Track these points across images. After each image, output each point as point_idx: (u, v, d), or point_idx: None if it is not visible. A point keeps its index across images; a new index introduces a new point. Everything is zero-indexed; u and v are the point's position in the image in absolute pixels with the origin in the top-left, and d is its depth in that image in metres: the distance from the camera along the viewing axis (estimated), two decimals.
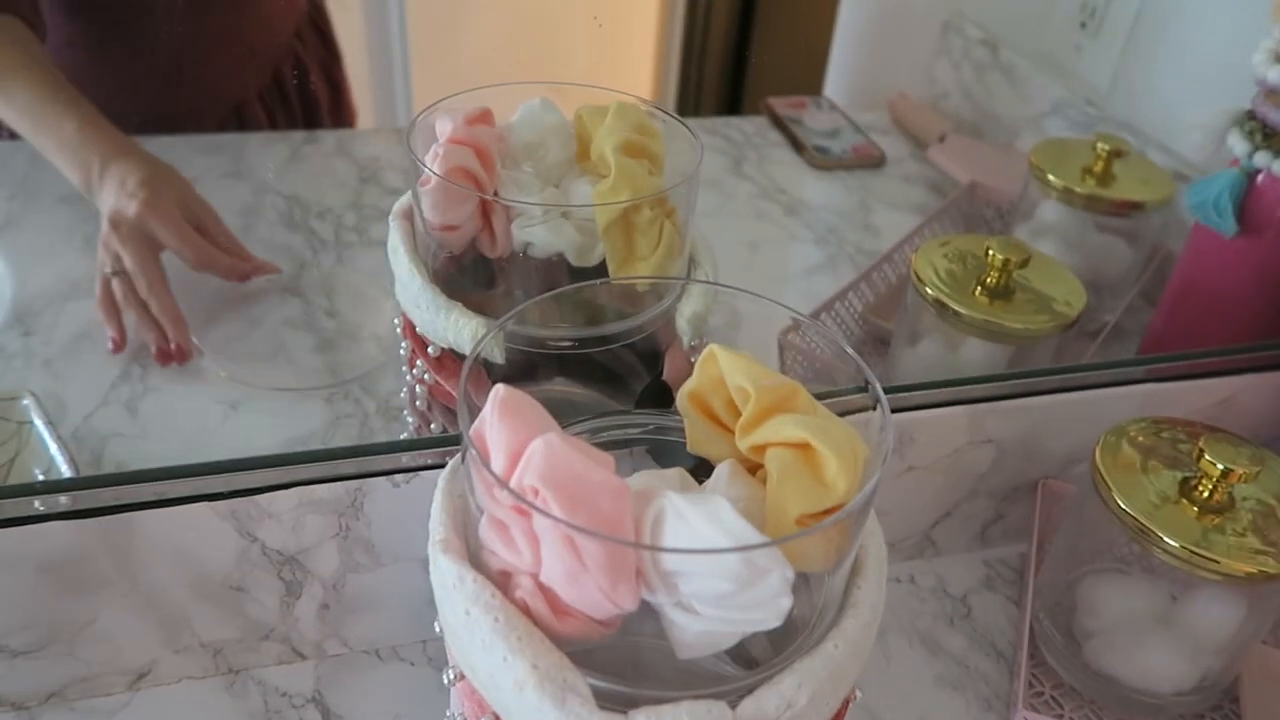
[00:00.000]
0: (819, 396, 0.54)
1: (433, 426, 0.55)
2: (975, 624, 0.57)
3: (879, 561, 0.37)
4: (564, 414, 0.63)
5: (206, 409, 0.63)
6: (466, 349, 0.48)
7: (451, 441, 0.49)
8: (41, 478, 0.57)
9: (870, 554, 0.37)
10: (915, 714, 0.52)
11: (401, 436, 0.60)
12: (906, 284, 0.79)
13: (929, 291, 0.62)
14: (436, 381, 0.51)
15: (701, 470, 0.42)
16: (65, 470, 0.58)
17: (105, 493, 0.44)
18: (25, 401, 0.61)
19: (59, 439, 0.59)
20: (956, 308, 0.61)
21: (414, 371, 0.54)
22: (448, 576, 0.33)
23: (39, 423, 0.60)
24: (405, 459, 0.47)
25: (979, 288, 0.62)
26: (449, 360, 0.51)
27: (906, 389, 0.54)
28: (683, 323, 0.51)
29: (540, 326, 0.63)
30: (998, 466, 0.58)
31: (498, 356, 0.47)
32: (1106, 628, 0.53)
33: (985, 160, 0.95)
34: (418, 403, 0.55)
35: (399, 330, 0.54)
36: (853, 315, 0.75)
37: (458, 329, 0.48)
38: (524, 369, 0.60)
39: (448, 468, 0.38)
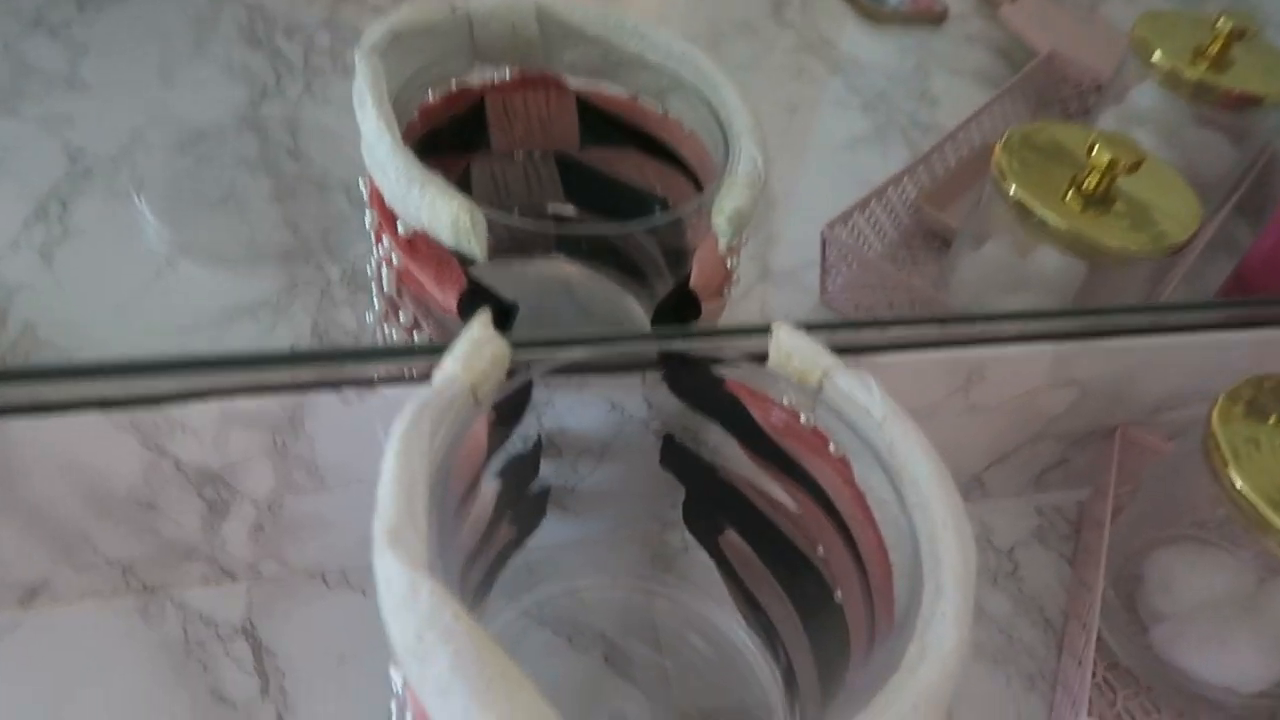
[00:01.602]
0: (875, 325, 0.44)
1: (401, 316, 0.44)
2: (1022, 583, 0.49)
3: (965, 578, 0.28)
4: (559, 301, 0.54)
5: (138, 263, 0.52)
6: (443, 236, 0.37)
7: (423, 353, 0.39)
8: None
9: (949, 564, 0.28)
10: None
11: (367, 317, 0.50)
12: (971, 171, 0.68)
13: (1011, 189, 0.51)
14: (407, 268, 0.41)
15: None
16: None
17: None
18: None
19: None
20: (1042, 213, 0.50)
21: (380, 248, 0.43)
22: (395, 584, 0.24)
23: None
24: (356, 369, 0.37)
25: (1072, 191, 0.51)
26: (423, 245, 0.40)
27: (979, 318, 0.45)
28: (720, 220, 0.40)
29: (540, 198, 0.52)
30: (1076, 410, 0.48)
31: (478, 253, 0.37)
32: (1181, 611, 0.45)
33: (1066, 27, 0.82)
34: (385, 286, 0.45)
35: (365, 195, 0.43)
36: (905, 203, 0.64)
37: (433, 210, 0.37)
38: (509, 244, 0.50)
39: (406, 415, 0.28)
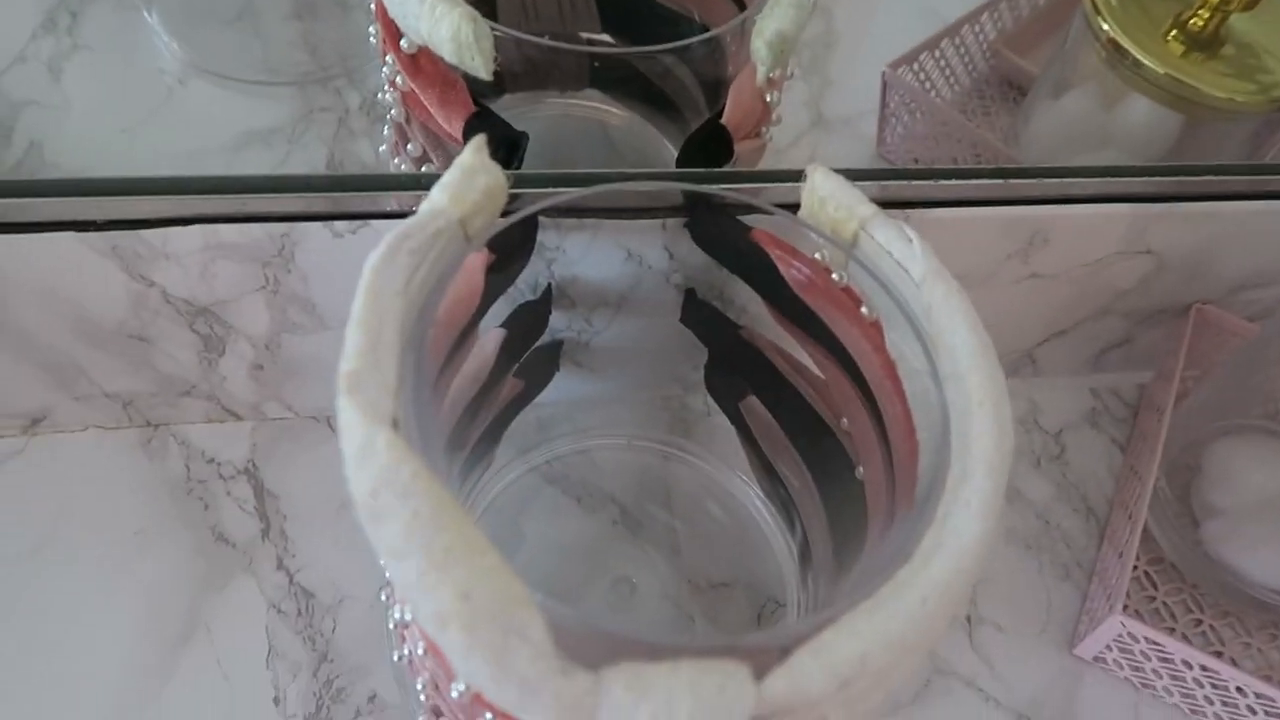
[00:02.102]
0: (929, 175, 0.39)
1: (409, 147, 0.41)
2: (1068, 468, 0.46)
3: (997, 463, 0.25)
4: (588, 142, 0.50)
5: (148, 82, 0.49)
6: (444, 51, 0.33)
7: (417, 185, 0.36)
8: None
9: (980, 447, 0.25)
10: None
11: (380, 150, 0.47)
12: (1061, 12, 0.61)
13: (1104, 26, 0.45)
14: (411, 89, 0.37)
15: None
16: None
17: None
18: None
19: None
20: (1138, 54, 0.44)
21: (385, 68, 0.39)
22: (351, 435, 0.22)
23: None
24: (352, 201, 0.34)
25: (1175, 31, 0.45)
26: (427, 62, 0.36)
27: (1047, 172, 0.40)
28: (759, 44, 0.36)
29: (573, 26, 0.47)
30: (1148, 283, 0.44)
31: (481, 69, 0.33)
32: (1238, 506, 0.41)
33: None
34: (392, 111, 0.41)
35: (372, 5, 0.39)
36: (982, 46, 0.57)
37: (433, 20, 0.33)
38: (533, 74, 0.45)
39: (380, 247, 0.25)
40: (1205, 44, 0.45)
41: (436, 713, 0.30)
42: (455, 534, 0.21)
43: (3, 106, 0.47)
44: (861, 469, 0.33)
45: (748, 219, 0.33)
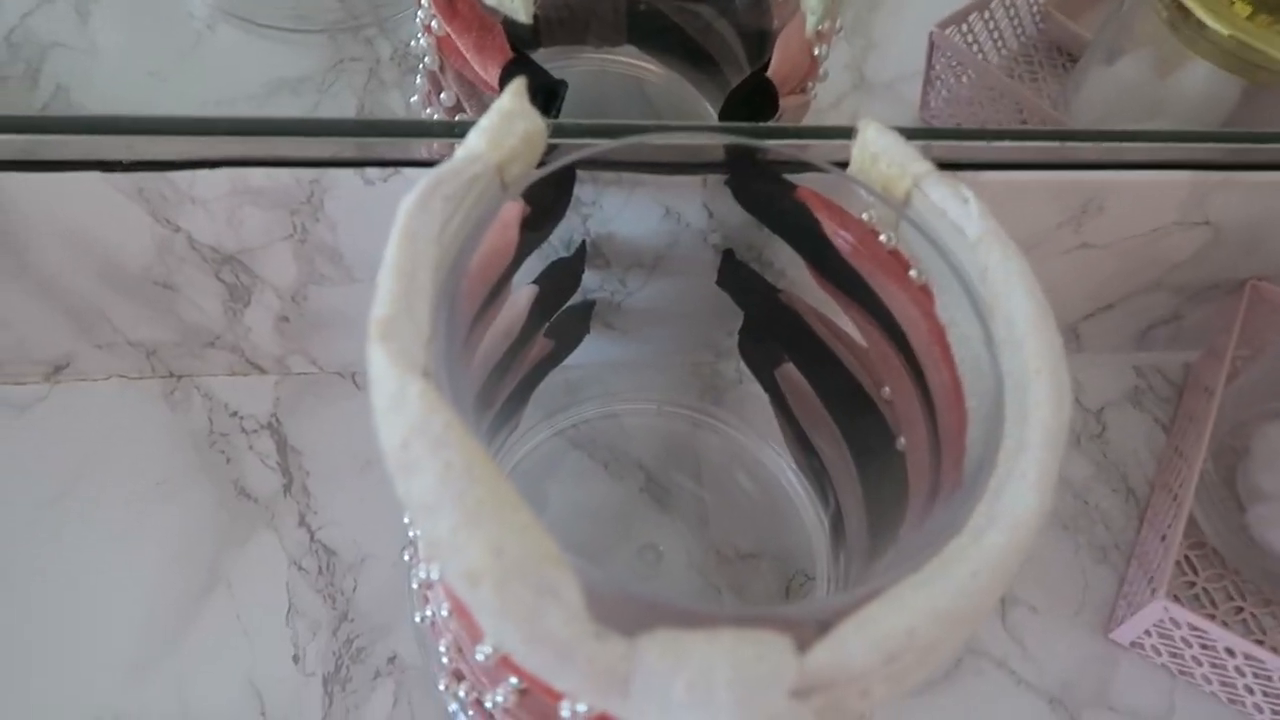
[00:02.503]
0: (979, 136, 0.38)
1: (443, 96, 0.40)
2: (1108, 447, 0.45)
3: (1055, 433, 0.23)
4: (624, 99, 0.49)
5: (177, 25, 0.48)
6: None
7: (450, 132, 0.35)
8: None
9: (1038, 416, 0.24)
10: None
11: (412, 101, 0.46)
12: None
13: None
14: (446, 33, 0.36)
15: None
16: None
17: None
18: None
19: None
20: (1202, 15, 0.42)
21: (420, 12, 0.38)
22: (383, 384, 0.21)
23: None
24: (383, 147, 0.33)
25: None
26: (464, 6, 0.35)
27: (1106, 135, 0.38)
28: None
29: None
30: (1203, 256, 0.42)
31: (520, 12, 0.31)
32: None
33: None
34: (425, 59, 0.40)
35: None
36: (1032, 8, 0.55)
37: None
38: (571, 26, 0.44)
39: (415, 192, 0.24)
40: (1274, 6, 0.43)
41: (458, 676, 0.30)
42: (488, 488, 0.20)
43: (30, 48, 0.46)
44: (903, 440, 0.32)
45: (793, 177, 0.32)
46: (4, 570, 0.36)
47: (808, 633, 0.20)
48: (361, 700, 0.35)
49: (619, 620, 0.20)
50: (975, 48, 0.52)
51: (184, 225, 0.34)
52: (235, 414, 0.41)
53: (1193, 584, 0.41)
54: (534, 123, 0.28)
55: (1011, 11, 0.55)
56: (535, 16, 0.42)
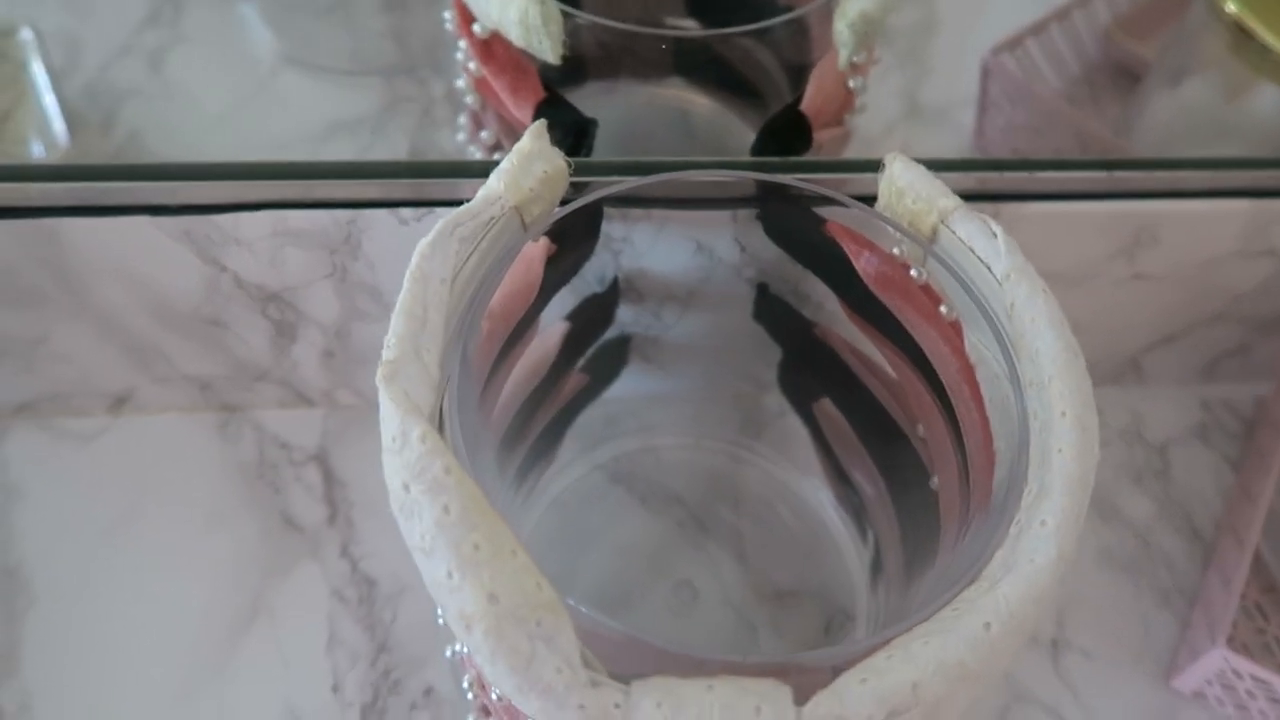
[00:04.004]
0: (1022, 166, 0.37)
1: (484, 134, 0.41)
2: (1172, 486, 0.43)
3: (1078, 479, 0.23)
4: (670, 131, 0.49)
5: (243, 72, 0.50)
6: (513, 34, 0.33)
7: (483, 172, 0.35)
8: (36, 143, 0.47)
9: (1061, 461, 0.23)
10: (1062, 598, 0.39)
11: (459, 139, 0.47)
12: None
13: (1229, 6, 0.41)
14: (484, 75, 0.37)
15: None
16: (61, 135, 0.47)
17: (23, 189, 0.32)
18: (25, 35, 0.49)
19: (57, 92, 0.48)
20: (1267, 38, 0.40)
21: (460, 54, 0.39)
22: (387, 425, 0.21)
23: (37, 67, 0.49)
24: (416, 188, 0.33)
25: None
26: (499, 47, 0.36)
27: (1157, 164, 0.37)
28: (842, 26, 0.34)
29: (658, 12, 0.46)
30: (1268, 287, 0.40)
31: (549, 52, 0.32)
32: None
33: None
34: (467, 99, 0.41)
35: None
36: (1094, 31, 0.54)
37: (503, 4, 0.32)
38: (617, 60, 0.44)
39: (430, 234, 0.25)
40: None
41: (485, 711, 0.30)
42: (485, 533, 0.20)
43: (108, 96, 0.48)
44: (936, 479, 0.31)
45: (822, 210, 0.32)
46: (62, 592, 0.37)
47: (819, 681, 0.20)
48: None
49: (624, 663, 0.20)
50: (1032, 72, 0.51)
51: (230, 265, 0.35)
52: (284, 446, 0.42)
53: (1263, 631, 0.39)
54: (554, 163, 0.28)
55: (1071, 34, 0.53)
56: (578, 55, 0.42)
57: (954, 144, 0.52)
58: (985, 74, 0.50)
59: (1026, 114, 0.50)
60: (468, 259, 0.26)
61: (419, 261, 0.24)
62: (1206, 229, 0.37)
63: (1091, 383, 0.25)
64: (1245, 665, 0.33)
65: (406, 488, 0.21)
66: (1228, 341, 0.43)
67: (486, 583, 0.19)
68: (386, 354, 0.22)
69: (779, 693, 0.19)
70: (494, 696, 0.26)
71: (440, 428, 0.23)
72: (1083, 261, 0.38)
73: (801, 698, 0.20)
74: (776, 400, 0.42)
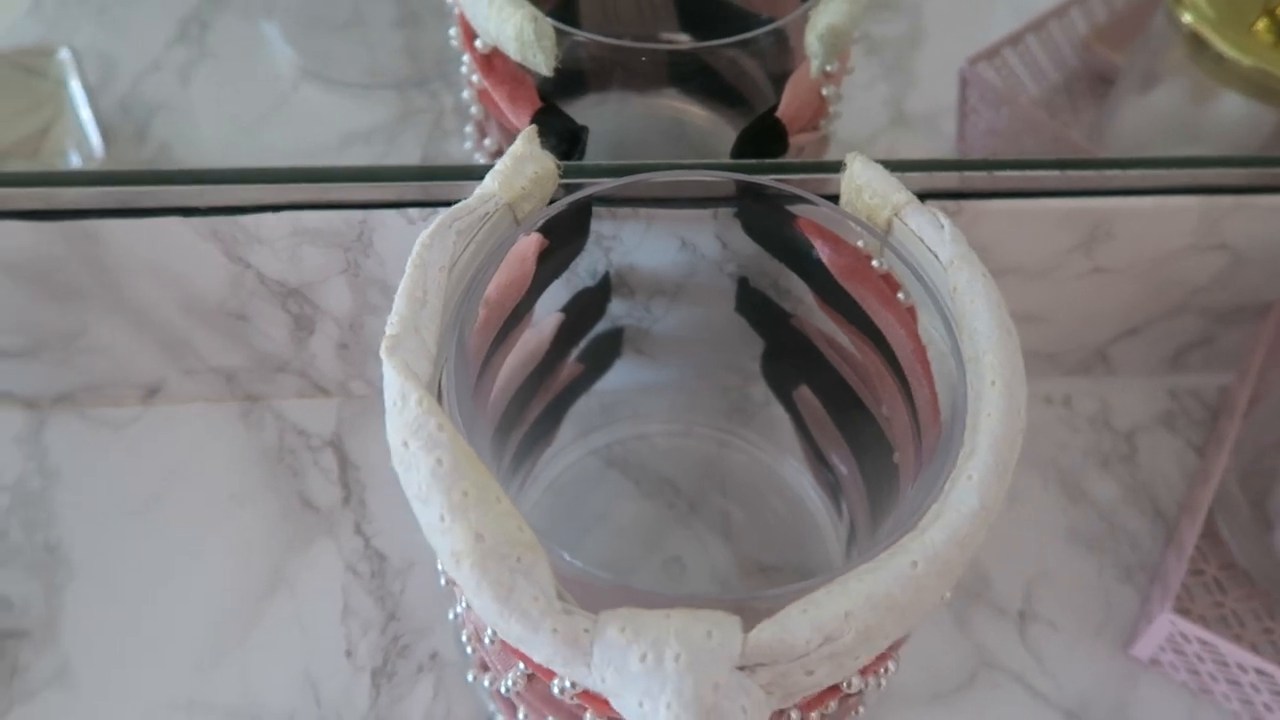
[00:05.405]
0: (992, 166, 0.40)
1: (486, 142, 0.44)
2: (1138, 470, 0.45)
3: (1001, 439, 0.25)
4: (667, 141, 0.52)
5: (266, 86, 0.54)
6: (509, 49, 0.36)
7: (476, 176, 0.38)
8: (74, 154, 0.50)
9: (988, 424, 0.25)
10: (1029, 573, 0.42)
11: (466, 147, 0.50)
12: (1155, 5, 0.59)
13: (1185, 17, 0.44)
14: (485, 88, 0.40)
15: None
16: (97, 146, 0.51)
17: (65, 193, 0.36)
18: (63, 55, 0.53)
19: (93, 106, 0.52)
20: (1221, 46, 0.43)
21: (464, 67, 0.42)
22: (389, 390, 0.24)
23: (75, 84, 0.53)
24: (422, 189, 0.37)
25: (1264, 19, 0.43)
26: (499, 61, 0.39)
27: (1108, 163, 0.39)
28: (812, 38, 0.37)
29: (653, 27, 0.49)
30: (1224, 280, 0.42)
31: (543, 66, 0.35)
32: None
33: None
34: (472, 109, 0.44)
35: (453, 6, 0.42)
36: (1072, 41, 0.56)
37: (500, 20, 0.35)
38: (616, 73, 0.47)
39: (430, 226, 0.28)
40: None
41: (483, 666, 0.32)
42: (473, 481, 0.23)
43: (139, 110, 0.52)
44: (898, 454, 0.34)
45: (794, 208, 0.35)
46: (96, 570, 0.40)
47: (759, 615, 0.23)
48: (405, 692, 0.38)
49: (591, 602, 0.23)
50: (1011, 80, 0.54)
51: (253, 262, 0.38)
52: (303, 433, 0.45)
53: (1221, 604, 0.41)
54: (544, 165, 0.31)
55: (1049, 44, 0.56)
56: (580, 67, 0.46)
57: (937, 150, 0.54)
58: (963, 83, 0.52)
59: (1004, 121, 0.53)
60: (464, 249, 0.28)
61: (420, 250, 0.27)
62: (1159, 224, 0.39)
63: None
64: (1191, 629, 0.35)
65: (405, 444, 0.23)
66: (1191, 333, 0.46)
67: (474, 524, 0.22)
68: (390, 330, 0.25)
69: (729, 620, 0.22)
70: (487, 642, 0.29)
71: (439, 399, 0.26)
72: (1044, 255, 0.41)
73: (751, 628, 0.22)
74: (762, 390, 0.45)
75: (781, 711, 0.25)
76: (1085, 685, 0.39)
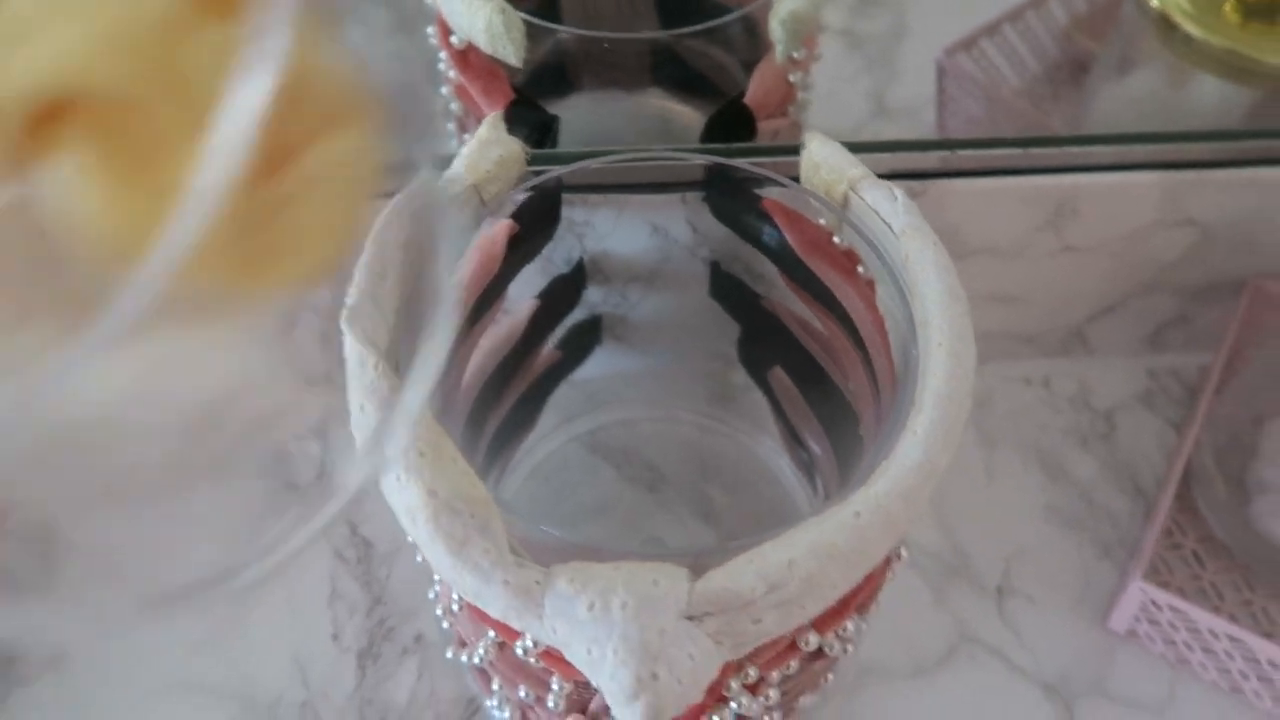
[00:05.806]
0: (953, 145, 0.40)
1: (466, 137, 0.45)
2: (1117, 448, 0.45)
3: (945, 396, 0.26)
4: (652, 137, 0.53)
5: None
6: (480, 41, 0.37)
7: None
8: None
9: (934, 382, 0.26)
10: (1008, 549, 0.42)
11: (452, 143, 0.51)
12: None
13: (1154, 1, 0.44)
14: (460, 83, 0.41)
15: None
16: None
17: None
18: None
19: None
20: (1190, 29, 0.44)
21: (441, 63, 0.43)
22: (349, 358, 0.25)
23: None
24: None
25: (1231, 0, 0.44)
26: (474, 56, 0.40)
27: (1069, 140, 0.40)
28: (775, 25, 0.38)
29: (634, 26, 0.50)
30: (1193, 256, 0.43)
31: (512, 56, 0.36)
32: None
33: None
34: (452, 106, 0.45)
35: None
36: (1052, 31, 0.57)
37: (470, 14, 0.36)
38: (602, 72, 0.48)
39: (391, 204, 0.29)
40: (1265, 11, 0.44)
41: (462, 643, 0.33)
42: (427, 442, 0.24)
43: None
44: (862, 427, 0.34)
45: (759, 190, 0.35)
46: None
47: (708, 567, 0.23)
48: (390, 674, 0.39)
49: (545, 559, 0.24)
50: (989, 70, 0.54)
51: None
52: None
53: (1199, 577, 0.41)
54: (509, 149, 0.32)
55: (1028, 34, 0.57)
56: (564, 64, 0.47)
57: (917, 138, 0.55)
58: (941, 73, 0.53)
59: (982, 109, 0.54)
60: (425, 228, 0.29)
61: (379, 229, 0.28)
62: (1122, 200, 0.40)
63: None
64: (1162, 596, 0.35)
65: (362, 407, 0.24)
66: (1166, 312, 0.46)
67: (428, 481, 0.23)
68: (349, 301, 0.26)
69: (676, 571, 0.23)
70: (454, 608, 0.29)
71: (396, 369, 0.27)
72: (1015, 235, 0.41)
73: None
74: (741, 375, 0.46)
75: (740, 666, 0.25)
76: (1063, 659, 0.39)
